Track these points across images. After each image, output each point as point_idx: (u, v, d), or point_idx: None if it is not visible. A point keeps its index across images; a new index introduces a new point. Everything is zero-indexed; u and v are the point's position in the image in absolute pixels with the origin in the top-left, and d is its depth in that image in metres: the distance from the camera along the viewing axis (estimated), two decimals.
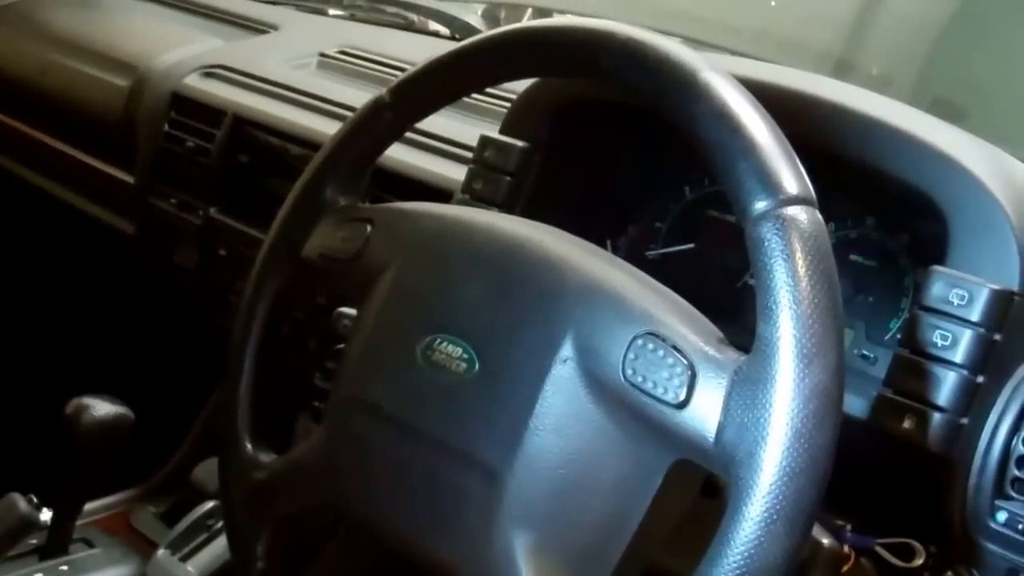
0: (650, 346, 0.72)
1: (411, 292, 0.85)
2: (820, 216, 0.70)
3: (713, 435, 0.68)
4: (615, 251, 1.13)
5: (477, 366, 0.78)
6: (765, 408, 0.66)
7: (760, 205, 0.69)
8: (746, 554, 0.66)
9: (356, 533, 1.17)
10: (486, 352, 0.78)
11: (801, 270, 0.67)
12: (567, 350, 0.75)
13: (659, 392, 0.71)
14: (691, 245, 1.12)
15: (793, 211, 0.68)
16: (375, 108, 0.92)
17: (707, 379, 0.69)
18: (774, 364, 0.66)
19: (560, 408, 0.75)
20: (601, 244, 0.89)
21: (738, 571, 0.66)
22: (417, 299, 0.84)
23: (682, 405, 0.70)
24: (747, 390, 0.67)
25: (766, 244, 0.68)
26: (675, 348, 0.71)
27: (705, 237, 1.11)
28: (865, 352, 0.99)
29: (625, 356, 0.72)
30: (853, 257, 1.02)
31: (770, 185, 0.69)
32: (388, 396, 0.83)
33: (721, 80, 0.72)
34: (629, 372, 0.72)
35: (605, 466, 0.74)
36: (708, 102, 0.72)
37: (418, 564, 0.83)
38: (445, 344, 0.80)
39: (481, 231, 0.84)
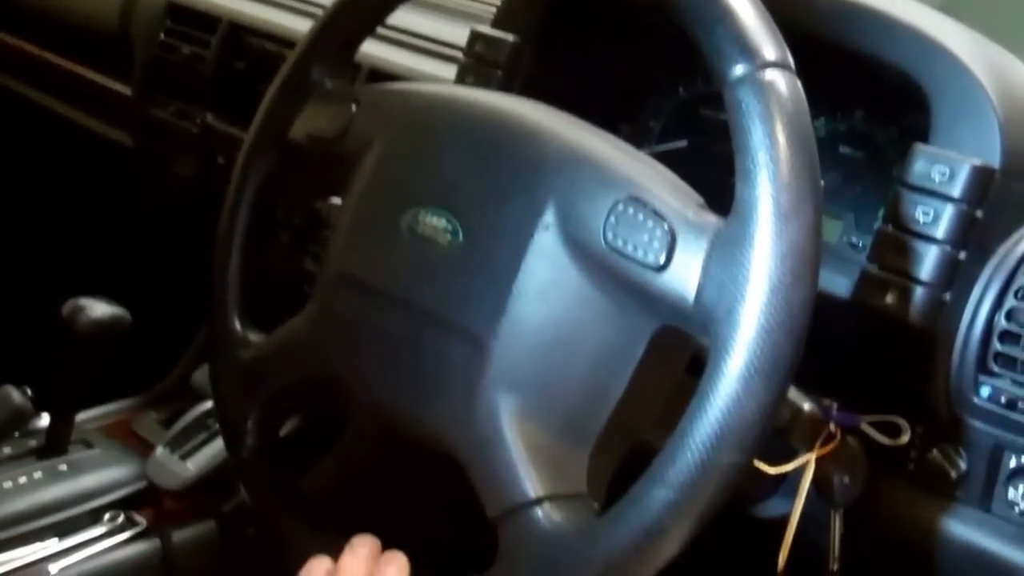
0: (631, 210, 0.72)
1: (395, 167, 0.85)
2: (798, 80, 0.70)
3: (693, 296, 0.69)
4: None
5: (461, 236, 0.79)
6: (743, 266, 0.67)
7: (738, 69, 0.69)
8: (724, 410, 0.67)
9: (364, 431, 1.18)
10: (470, 222, 0.79)
11: (779, 132, 0.68)
12: (549, 217, 0.76)
13: (639, 255, 0.71)
14: (683, 143, 1.12)
15: (771, 75, 0.69)
16: None
17: (687, 241, 0.70)
18: (752, 223, 0.67)
19: (543, 275, 0.76)
20: None
21: (717, 426, 0.67)
22: (401, 174, 0.85)
23: (662, 268, 0.70)
24: (726, 250, 0.68)
25: (744, 107, 0.69)
26: (655, 212, 0.71)
27: (698, 135, 1.11)
28: (853, 240, 1.00)
29: (606, 221, 0.73)
30: (843, 149, 1.02)
31: (748, 49, 0.69)
32: (374, 270, 0.84)
33: None
34: (610, 236, 0.73)
35: (588, 332, 0.75)
36: None
37: (407, 434, 0.84)
38: (429, 216, 0.81)
39: (464, 105, 0.84)
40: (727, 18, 0.70)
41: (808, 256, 0.67)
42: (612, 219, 0.73)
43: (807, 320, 0.68)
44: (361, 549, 0.79)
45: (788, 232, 0.67)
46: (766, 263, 0.67)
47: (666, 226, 0.71)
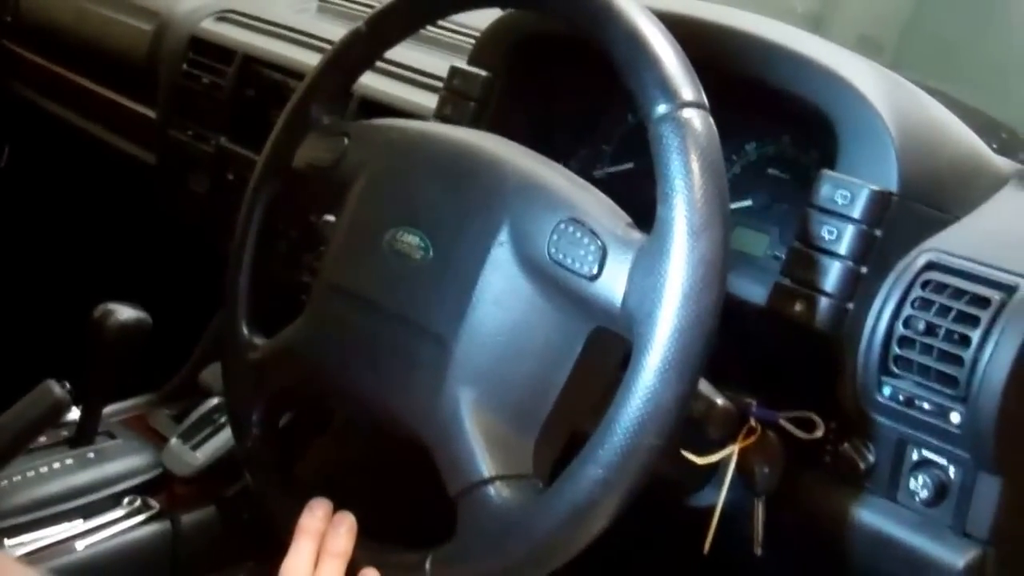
0: (570, 229, 0.78)
1: (379, 192, 0.91)
2: (711, 119, 0.76)
3: (620, 301, 0.75)
4: None
5: (431, 252, 0.85)
6: (660, 275, 0.73)
7: (660, 108, 0.75)
8: (645, 399, 0.72)
9: (345, 428, 1.23)
10: (439, 241, 0.85)
11: (693, 162, 0.74)
12: (504, 235, 0.81)
13: (576, 267, 0.77)
14: (631, 165, 1.16)
15: (688, 114, 0.75)
16: (353, 38, 0.99)
17: (615, 255, 0.76)
18: (669, 239, 0.73)
19: (498, 284, 0.81)
20: None
21: (639, 413, 0.72)
22: (383, 198, 0.90)
23: (595, 277, 0.76)
24: (647, 262, 0.74)
25: (664, 141, 0.75)
26: (591, 231, 0.77)
27: (643, 157, 1.13)
28: (777, 253, 1.02)
29: (550, 238, 0.79)
30: (771, 171, 1.05)
31: (669, 91, 0.75)
32: (359, 280, 0.89)
33: (631, 7, 0.79)
34: (553, 251, 0.79)
35: (536, 333, 0.81)
36: (620, 25, 0.78)
37: (382, 423, 0.89)
38: (405, 235, 0.86)
39: (437, 140, 0.90)
40: (653, 65, 0.76)
41: (716, 267, 0.73)
42: (555, 236, 0.79)
43: (716, 321, 0.73)
44: (317, 511, 0.88)
45: (699, 247, 0.72)
46: (680, 273, 0.72)
47: (599, 242, 0.77)
